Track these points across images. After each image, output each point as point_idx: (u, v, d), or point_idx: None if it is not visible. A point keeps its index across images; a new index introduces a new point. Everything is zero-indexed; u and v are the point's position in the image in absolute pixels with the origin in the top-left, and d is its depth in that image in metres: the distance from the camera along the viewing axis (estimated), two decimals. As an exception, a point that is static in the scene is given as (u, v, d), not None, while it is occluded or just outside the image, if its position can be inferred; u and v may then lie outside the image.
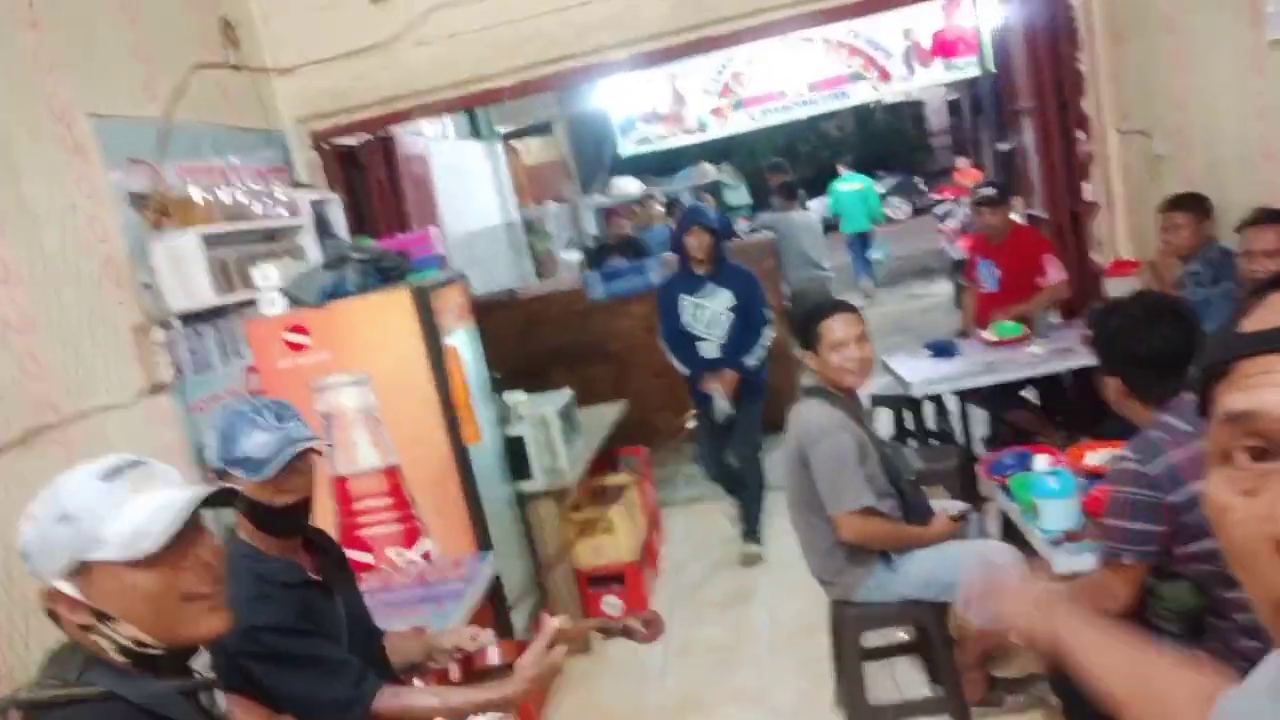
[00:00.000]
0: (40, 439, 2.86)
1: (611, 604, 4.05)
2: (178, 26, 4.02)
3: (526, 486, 3.65)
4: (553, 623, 1.74)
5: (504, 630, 3.26)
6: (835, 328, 2.67)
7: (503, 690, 1.70)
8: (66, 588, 1.12)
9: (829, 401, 2.69)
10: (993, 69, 8.82)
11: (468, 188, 7.83)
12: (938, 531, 2.67)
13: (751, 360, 4.33)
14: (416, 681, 1.80)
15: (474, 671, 1.83)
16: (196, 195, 3.70)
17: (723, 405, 4.32)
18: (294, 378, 3.08)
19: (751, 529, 4.52)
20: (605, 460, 4.72)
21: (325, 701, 1.60)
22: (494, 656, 1.83)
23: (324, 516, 3.18)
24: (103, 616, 1.12)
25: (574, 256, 9.57)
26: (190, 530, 1.16)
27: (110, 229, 3.32)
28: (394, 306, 2.98)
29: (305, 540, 1.79)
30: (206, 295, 3.53)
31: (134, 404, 3.28)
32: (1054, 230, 4.76)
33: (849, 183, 11.17)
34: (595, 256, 6.98)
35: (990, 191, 4.68)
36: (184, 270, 3.52)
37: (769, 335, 4.39)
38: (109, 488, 1.13)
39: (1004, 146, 6.19)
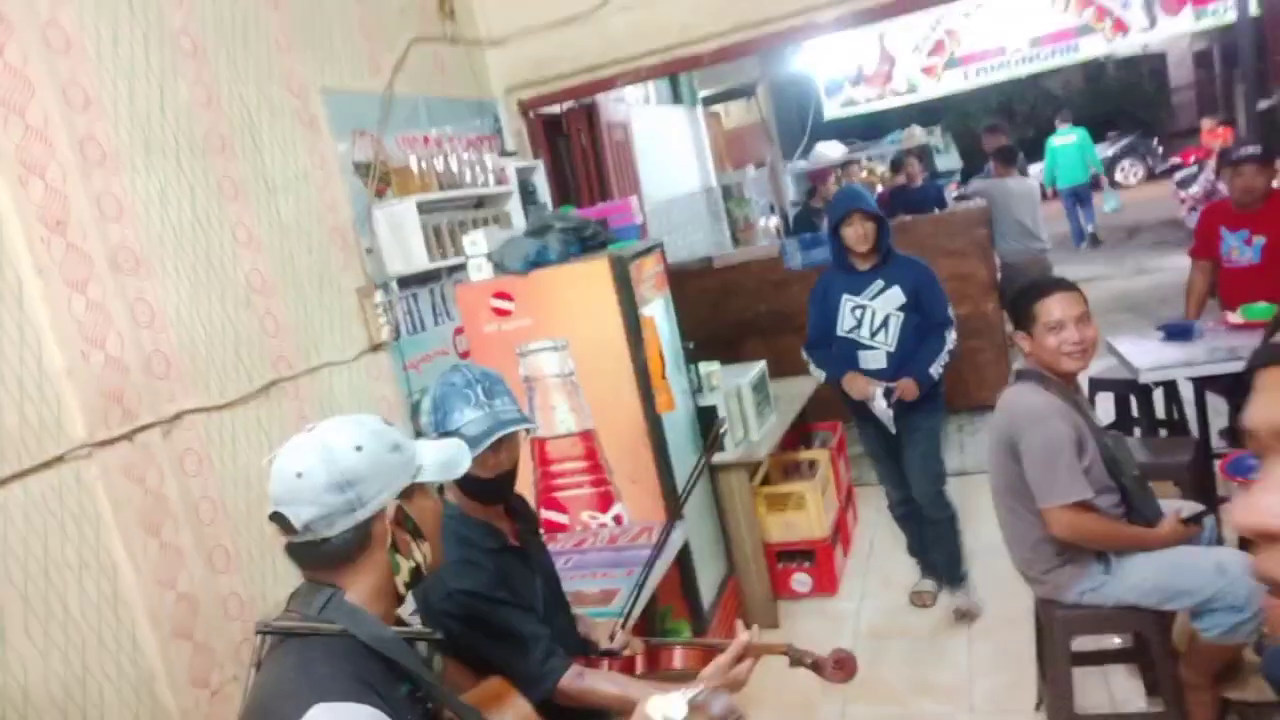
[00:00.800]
0: (277, 390, 3.14)
1: (800, 581, 3.99)
2: (399, 2, 4.22)
3: (718, 457, 3.64)
4: (743, 636, 1.71)
5: (690, 599, 3.28)
6: (1053, 308, 2.46)
7: None
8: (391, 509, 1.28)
9: (1044, 386, 2.49)
10: (1255, 12, 7.88)
11: (667, 153, 7.85)
12: (1165, 535, 2.43)
13: (934, 368, 3.53)
14: (604, 664, 1.82)
15: (657, 672, 1.83)
16: (414, 165, 3.90)
17: (883, 411, 3.52)
18: (498, 342, 3.20)
19: (955, 574, 3.71)
20: (799, 435, 4.64)
21: (513, 674, 1.66)
22: (677, 660, 1.82)
23: (523, 477, 3.30)
24: (417, 534, 1.30)
25: (772, 223, 9.44)
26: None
27: (338, 197, 3.56)
28: (593, 275, 3.03)
29: (506, 505, 1.85)
30: (421, 260, 3.72)
31: (356, 361, 3.53)
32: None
33: (1064, 136, 11.00)
34: (798, 222, 6.81)
35: (1253, 148, 4.14)
36: (401, 236, 3.73)
37: (952, 339, 3.59)
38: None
39: (1265, 103, 5.50)
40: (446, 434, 1.70)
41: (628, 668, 1.80)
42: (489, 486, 1.75)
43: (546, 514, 3.26)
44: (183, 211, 2.88)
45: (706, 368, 3.75)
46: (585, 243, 3.19)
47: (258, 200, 3.18)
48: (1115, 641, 2.97)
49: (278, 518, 1.24)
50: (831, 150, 9.88)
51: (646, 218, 6.09)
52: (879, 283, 3.55)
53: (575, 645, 1.80)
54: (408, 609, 1.75)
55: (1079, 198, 10.87)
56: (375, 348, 3.63)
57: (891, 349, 3.55)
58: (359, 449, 1.24)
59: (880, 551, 4.37)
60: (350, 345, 3.50)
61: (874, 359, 3.58)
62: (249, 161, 3.16)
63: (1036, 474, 2.43)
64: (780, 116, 10.43)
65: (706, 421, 3.59)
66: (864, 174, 9.35)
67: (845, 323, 3.63)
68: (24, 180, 2.37)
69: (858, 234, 3.50)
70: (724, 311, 6.20)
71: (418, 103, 4.23)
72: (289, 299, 3.25)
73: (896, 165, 9.22)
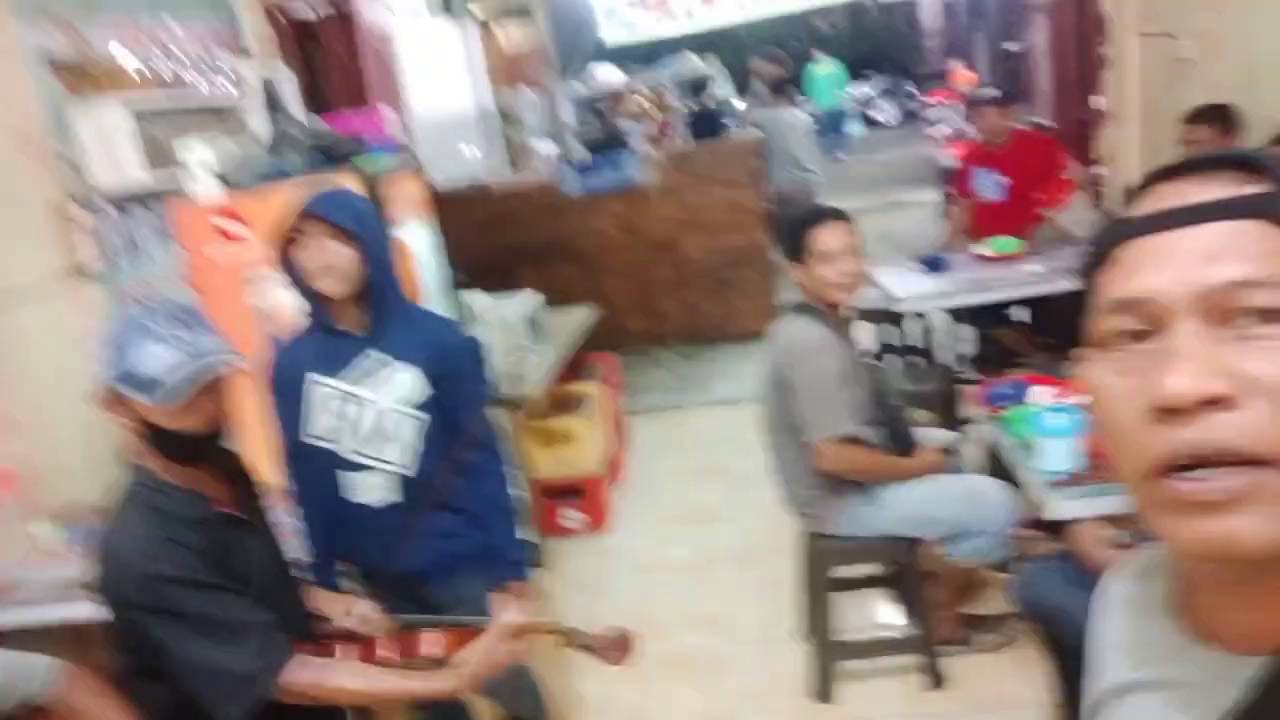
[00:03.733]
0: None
1: (571, 517, 3.89)
2: None
3: (485, 394, 3.41)
4: (505, 617, 1.53)
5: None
6: (826, 238, 2.42)
7: (436, 684, 1.51)
8: None
9: (815, 318, 2.46)
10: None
11: (438, 70, 7.35)
12: (923, 464, 2.49)
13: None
14: (340, 651, 1.58)
15: (408, 660, 1.61)
16: (126, 61, 3.33)
17: None
18: (226, 269, 2.80)
19: None
20: (573, 367, 4.50)
21: (224, 671, 1.39)
22: (428, 646, 1.61)
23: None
24: None
25: (549, 148, 9.15)
26: None
27: (20, 94, 2.97)
28: (338, 194, 2.68)
29: (217, 465, 1.54)
30: (137, 173, 3.21)
31: (54, 292, 3.00)
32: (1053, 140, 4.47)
33: (823, 66, 13.22)
34: (597, 144, 6.59)
35: (994, 91, 4.35)
36: (111, 145, 3.19)
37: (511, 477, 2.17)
38: None
39: (1012, 47, 5.84)
40: (127, 379, 1.38)
41: (368, 652, 1.57)
42: (193, 443, 1.44)
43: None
44: None
45: (474, 299, 3.51)
46: (331, 157, 2.83)
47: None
48: (871, 569, 3.07)
49: None
50: (610, 75, 9.66)
51: (414, 137, 5.66)
52: (374, 356, 1.96)
53: (303, 628, 1.54)
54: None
55: (835, 121, 13.05)
56: (78, 273, 3.09)
57: (408, 471, 1.99)
58: None
59: (651, 483, 4.36)
60: (40, 271, 2.96)
61: (370, 486, 1.99)
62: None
63: (807, 408, 2.40)
64: (560, 39, 10.07)
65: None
66: (641, 101, 9.20)
67: (316, 423, 1.98)
68: None
69: (319, 260, 1.86)
70: (498, 238, 5.92)
71: (130, -14, 3.60)
72: (-46, 214, 2.68)
73: (699, 88, 9.15)
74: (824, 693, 2.69)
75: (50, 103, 3.07)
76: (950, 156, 7.80)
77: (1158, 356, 0.54)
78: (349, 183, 2.68)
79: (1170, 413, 0.52)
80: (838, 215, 2.49)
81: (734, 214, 5.86)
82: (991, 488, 2.46)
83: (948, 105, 9.60)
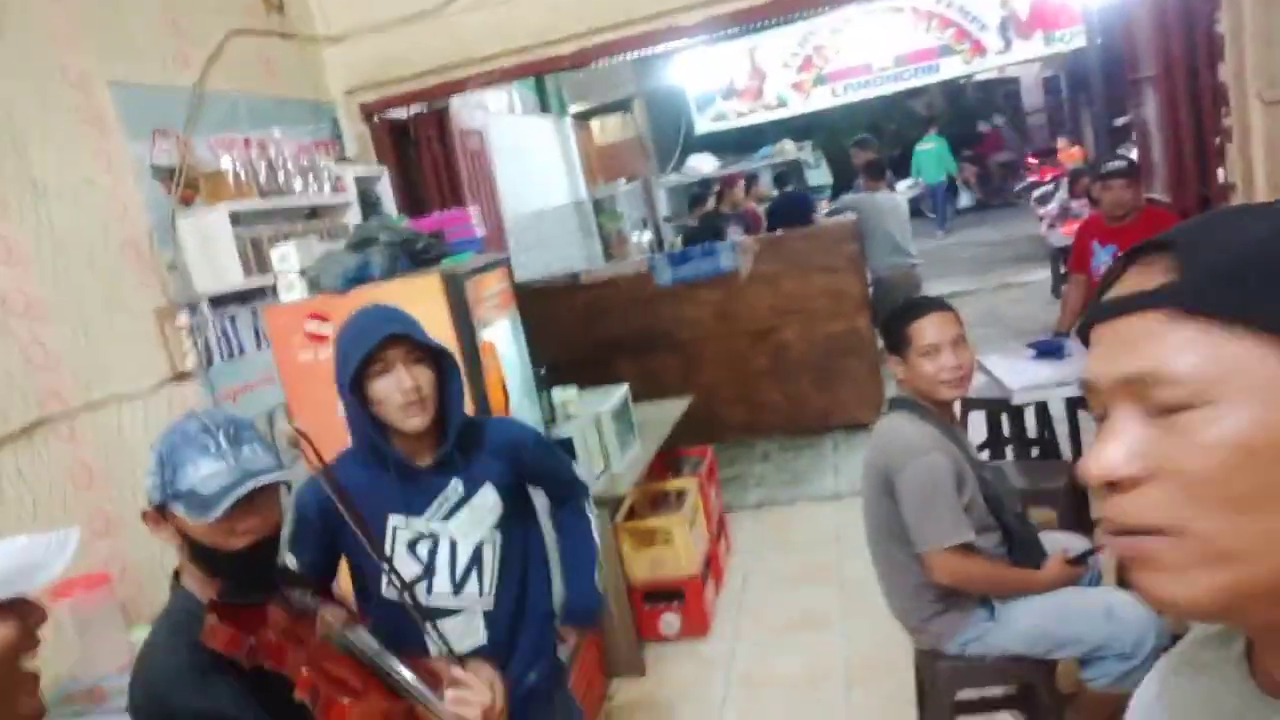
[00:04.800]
0: (43, 432, 2.63)
1: (669, 622, 3.69)
2: (214, -11, 3.76)
3: (575, 494, 3.29)
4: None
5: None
6: (928, 330, 2.24)
7: None
8: None
9: (919, 416, 2.26)
10: (1098, 39, 8.15)
11: (532, 166, 7.52)
12: (1051, 576, 2.22)
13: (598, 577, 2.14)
14: None
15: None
16: (227, 168, 3.44)
17: None
18: (315, 372, 2.78)
19: None
20: (667, 461, 4.36)
21: None
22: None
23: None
24: None
25: (645, 238, 9.22)
26: None
27: (131, 205, 3.08)
28: (423, 294, 2.64)
29: (267, 585, 1.45)
30: (235, 276, 3.26)
31: (155, 394, 3.04)
32: (1180, 218, 4.19)
33: (926, 144, 14.06)
34: (698, 233, 6.62)
35: (1120, 163, 4.10)
36: (211, 249, 3.27)
37: (594, 512, 2.17)
38: None
39: (1119, 121, 5.58)
40: (176, 496, 1.31)
41: None
42: (237, 563, 1.36)
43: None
44: (-87, 219, 2.37)
45: (562, 395, 3.42)
46: (416, 257, 2.81)
47: (20, 209, 2.67)
48: (999, 689, 2.77)
49: None
50: (704, 164, 9.74)
51: (510, 232, 5.73)
52: (456, 486, 1.85)
53: None
54: None
55: (940, 196, 13.93)
56: (179, 377, 3.14)
57: (490, 604, 1.88)
58: None
59: (754, 585, 4.12)
60: (146, 375, 3.01)
61: (465, 630, 1.84)
62: (6, 161, 2.65)
63: (914, 515, 2.19)
64: (657, 131, 10.25)
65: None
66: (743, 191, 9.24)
67: (401, 569, 1.79)
68: None
69: (407, 385, 1.75)
70: (593, 330, 5.90)
71: (237, 102, 3.76)
72: (64, 323, 2.75)
73: (781, 180, 9.16)
74: (949, 833, 2.39)
75: (157, 212, 3.18)
76: (1061, 235, 7.50)
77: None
78: (433, 284, 2.66)
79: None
80: (939, 305, 2.31)
81: (833, 300, 5.69)
82: (1132, 601, 2.18)
83: (1054, 182, 9.29)
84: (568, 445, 3.26)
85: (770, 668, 3.43)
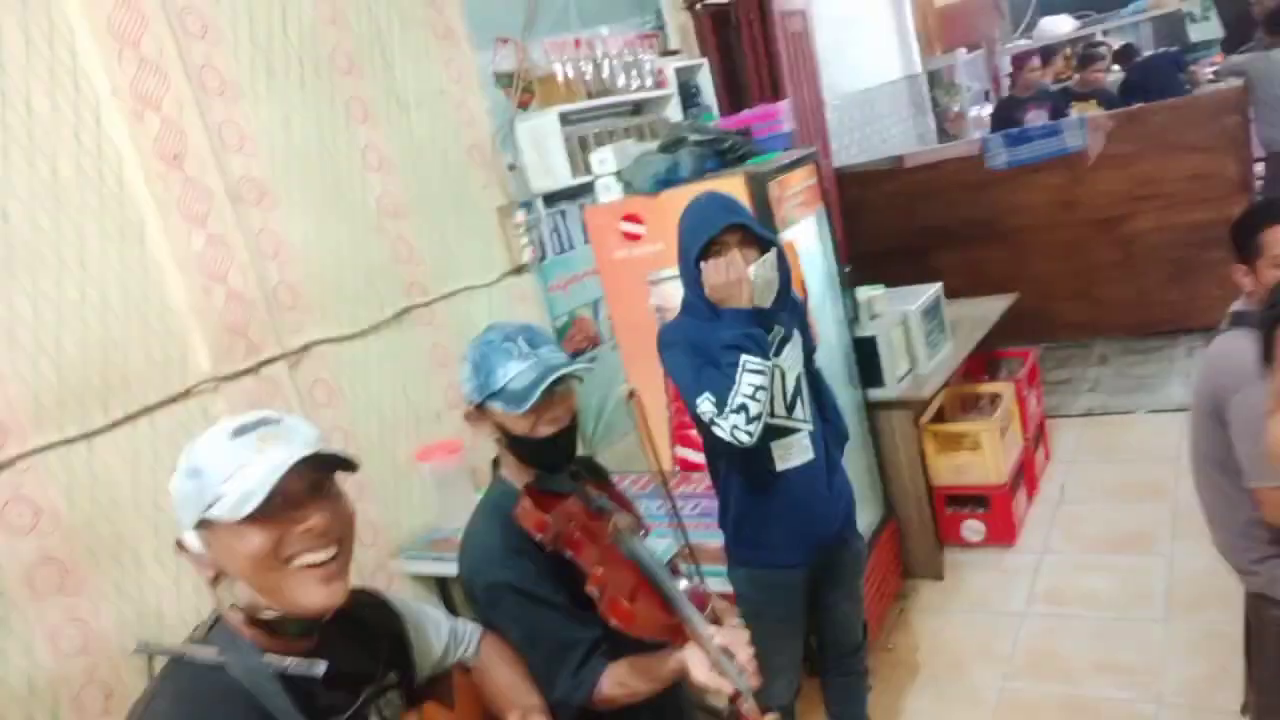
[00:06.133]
0: (411, 317, 3.09)
1: (972, 529, 3.61)
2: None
3: (876, 394, 3.28)
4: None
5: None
6: (1288, 238, 1.92)
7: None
8: (192, 540, 1.11)
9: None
10: None
11: (859, 39, 7.16)
12: None
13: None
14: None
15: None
16: (559, 72, 3.68)
17: None
18: (628, 268, 2.99)
19: None
20: (986, 363, 4.15)
21: (544, 686, 1.48)
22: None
23: (655, 413, 3.12)
24: (220, 574, 1.11)
25: (987, 113, 8.51)
26: (306, 493, 1.10)
27: (477, 112, 3.41)
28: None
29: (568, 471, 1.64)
30: (564, 175, 3.53)
31: (497, 284, 3.43)
32: None
33: None
34: (994, 118, 6.05)
35: None
36: (543, 150, 3.55)
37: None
38: (235, 445, 1.08)
39: None
40: (493, 395, 1.52)
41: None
42: (545, 449, 1.55)
43: (681, 452, 3.08)
44: (308, 138, 2.82)
45: (867, 293, 3.36)
46: (723, 156, 2.87)
47: (388, 121, 3.07)
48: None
49: None
50: (1059, 25, 8.66)
51: (828, 113, 5.57)
52: (777, 330, 2.17)
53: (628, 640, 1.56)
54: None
55: None
56: (517, 270, 3.51)
57: (813, 425, 2.23)
58: (179, 470, 1.10)
59: (1073, 498, 3.88)
60: (490, 268, 3.40)
61: (799, 448, 2.18)
62: (378, 80, 3.04)
63: (1249, 445, 1.95)
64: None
65: (865, 354, 3.24)
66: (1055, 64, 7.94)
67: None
68: (140, 114, 2.35)
69: (747, 268, 2.02)
70: (916, 217, 5.64)
71: (568, 3, 3.96)
72: (423, 222, 3.16)
73: (1126, 52, 7.89)
74: (1265, 789, 2.20)
75: (498, 117, 3.50)
76: None
77: None
78: (737, 184, 2.71)
79: None
80: None
81: (1201, 184, 4.95)
82: None
83: None
84: (869, 344, 3.23)
85: (1079, 585, 3.26)
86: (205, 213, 2.49)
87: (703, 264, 2.05)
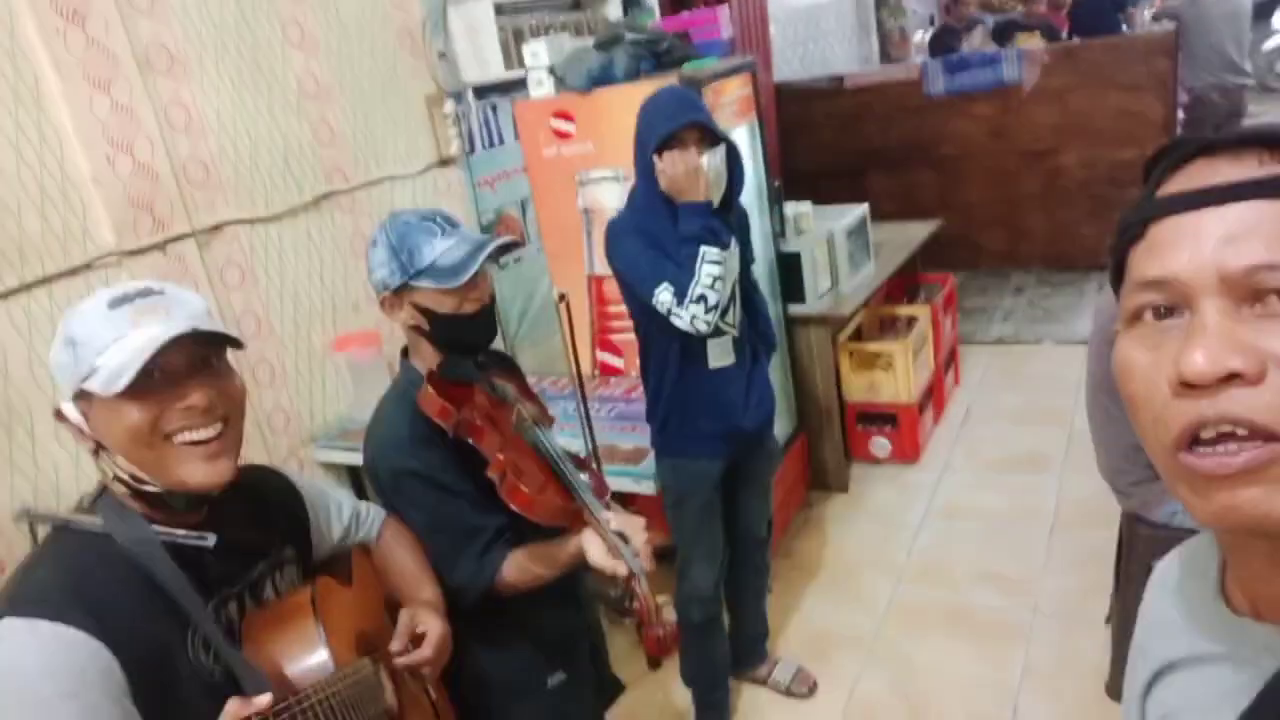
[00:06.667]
0: (330, 203, 3.01)
1: (879, 445, 3.73)
2: None
3: (797, 309, 3.33)
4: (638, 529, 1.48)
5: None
6: (1203, 174, 1.98)
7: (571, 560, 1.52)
8: (71, 411, 1.08)
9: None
10: None
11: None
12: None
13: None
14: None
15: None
16: (497, -43, 3.53)
17: None
18: (558, 167, 2.94)
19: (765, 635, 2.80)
20: (906, 286, 4.24)
21: (447, 571, 1.50)
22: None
23: (578, 316, 3.11)
24: (100, 446, 1.08)
25: (929, 38, 8.49)
26: (188, 369, 1.07)
27: (407, -4, 3.27)
28: (660, 98, 2.67)
29: (478, 355, 1.62)
30: (496, 67, 3.43)
31: (422, 175, 3.35)
32: None
33: None
34: (931, 43, 6.04)
35: None
36: (477, 39, 3.43)
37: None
38: (113, 316, 1.04)
39: None
40: (421, 272, 1.47)
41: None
42: (468, 327, 1.51)
43: (602, 356, 3.09)
44: (225, 6, 2.68)
45: (795, 209, 3.38)
46: (659, 58, 2.82)
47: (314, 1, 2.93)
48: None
49: None
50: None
51: (773, 28, 5.50)
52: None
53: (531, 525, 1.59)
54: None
55: None
56: (444, 162, 3.43)
57: (737, 333, 2.28)
58: (57, 338, 1.07)
59: (976, 420, 4.03)
60: (416, 158, 3.31)
61: (722, 351, 2.25)
62: (303, -47, 2.89)
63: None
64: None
65: (789, 269, 3.27)
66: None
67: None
68: (34, -37, 2.20)
69: (704, 166, 2.06)
70: (850, 139, 5.66)
71: (512, -115, 3.78)
72: (347, 106, 3.05)
73: None
74: (1120, 690, 2.37)
75: (430, 2, 3.35)
76: None
77: (1182, 333, 0.55)
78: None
79: (1191, 387, 0.53)
80: (1256, 140, 2.01)
81: (1126, 122, 5.06)
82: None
83: None
84: (793, 259, 3.26)
85: (974, 501, 3.42)
86: (109, 79, 2.36)
87: (661, 155, 2.06)
